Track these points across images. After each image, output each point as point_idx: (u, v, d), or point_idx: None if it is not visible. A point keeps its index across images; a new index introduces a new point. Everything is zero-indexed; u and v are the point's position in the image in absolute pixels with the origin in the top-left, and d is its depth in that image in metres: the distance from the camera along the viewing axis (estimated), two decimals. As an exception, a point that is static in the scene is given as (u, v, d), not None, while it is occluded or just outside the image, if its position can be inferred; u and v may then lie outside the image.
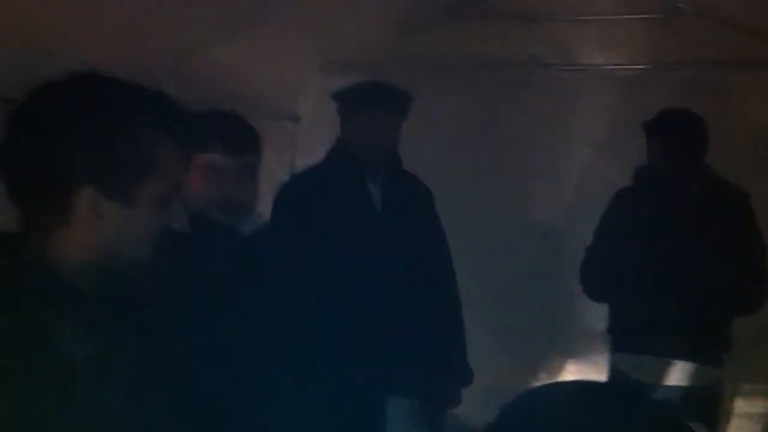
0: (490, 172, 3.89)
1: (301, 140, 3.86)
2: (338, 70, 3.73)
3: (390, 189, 2.62)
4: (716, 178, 2.92)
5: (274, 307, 2.04)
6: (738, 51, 3.53)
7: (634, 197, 3.00)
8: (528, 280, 3.74)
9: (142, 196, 1.14)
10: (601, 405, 1.50)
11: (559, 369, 3.83)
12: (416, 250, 2.60)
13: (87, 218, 1.12)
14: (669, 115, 2.92)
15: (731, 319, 2.88)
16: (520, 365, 3.66)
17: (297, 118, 3.91)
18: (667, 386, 2.86)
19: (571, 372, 3.77)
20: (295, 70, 3.76)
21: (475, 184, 3.92)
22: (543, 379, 3.63)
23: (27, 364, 1.07)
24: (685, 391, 2.85)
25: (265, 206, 2.41)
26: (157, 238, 1.19)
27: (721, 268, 2.76)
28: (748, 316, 2.90)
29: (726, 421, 3.42)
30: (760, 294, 2.81)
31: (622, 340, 3.02)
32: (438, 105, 3.83)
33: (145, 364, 1.21)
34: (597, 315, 3.23)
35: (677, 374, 2.88)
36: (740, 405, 3.51)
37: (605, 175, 3.59)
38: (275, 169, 3.75)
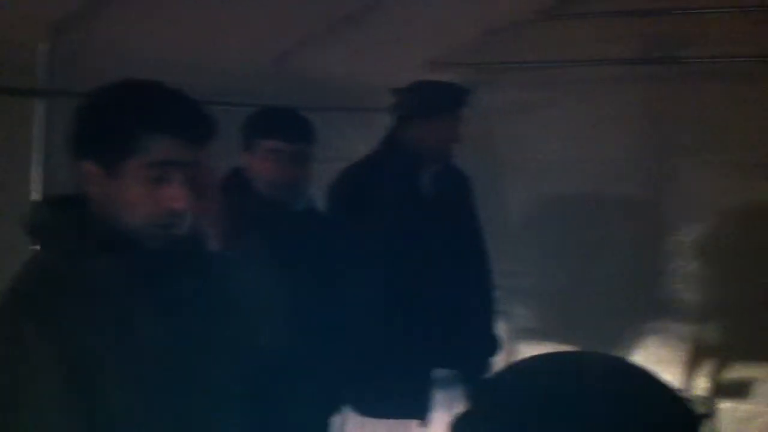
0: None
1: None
2: (440, 70, 3.93)
3: (440, 179, 2.83)
4: None
5: (331, 281, 2.33)
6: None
7: None
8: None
9: (127, 170, 1.37)
10: (586, 375, 1.62)
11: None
12: (459, 235, 2.85)
13: (89, 187, 1.40)
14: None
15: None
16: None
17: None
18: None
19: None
20: (398, 70, 3.99)
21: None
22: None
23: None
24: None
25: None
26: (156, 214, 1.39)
27: None
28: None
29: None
30: None
31: None
32: (544, 107, 4.00)
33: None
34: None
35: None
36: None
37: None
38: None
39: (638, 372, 1.59)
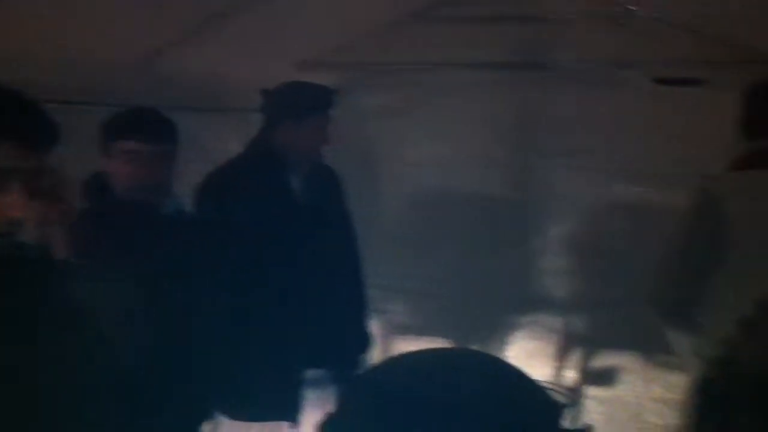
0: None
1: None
2: (313, 69, 3.91)
3: (311, 180, 2.83)
4: None
5: (196, 283, 2.28)
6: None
7: None
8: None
9: None
10: (455, 373, 1.64)
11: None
12: (330, 235, 2.84)
13: None
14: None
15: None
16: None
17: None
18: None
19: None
20: (270, 69, 3.95)
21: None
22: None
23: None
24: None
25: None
26: None
27: None
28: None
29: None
30: None
31: None
32: (414, 108, 4.05)
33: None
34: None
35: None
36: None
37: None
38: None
39: (503, 366, 1.63)
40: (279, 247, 2.68)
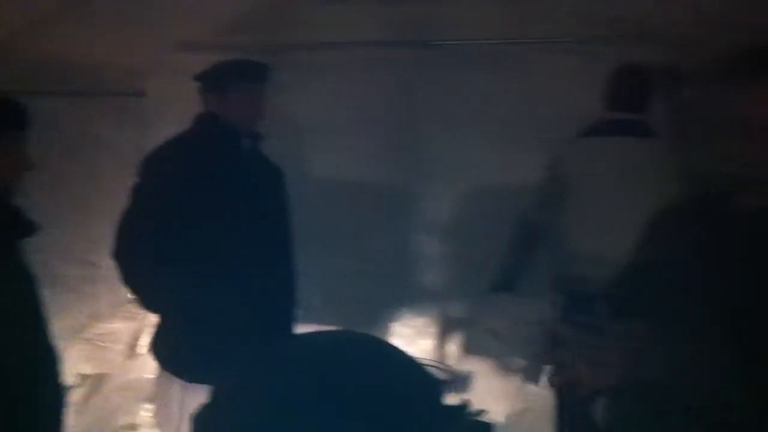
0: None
1: (148, 117, 3.95)
2: (188, 49, 3.86)
3: (250, 165, 2.84)
4: None
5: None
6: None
7: None
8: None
9: None
10: (336, 353, 1.62)
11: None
12: (268, 222, 2.86)
13: None
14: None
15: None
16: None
17: (142, 95, 4.00)
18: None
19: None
20: (145, 49, 3.82)
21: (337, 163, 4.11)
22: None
23: None
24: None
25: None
26: None
27: None
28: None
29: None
30: None
31: None
32: (294, 87, 3.99)
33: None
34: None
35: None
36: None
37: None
38: (120, 144, 3.86)
39: (383, 345, 1.62)
40: (221, 223, 2.69)
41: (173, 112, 3.80)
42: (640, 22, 3.50)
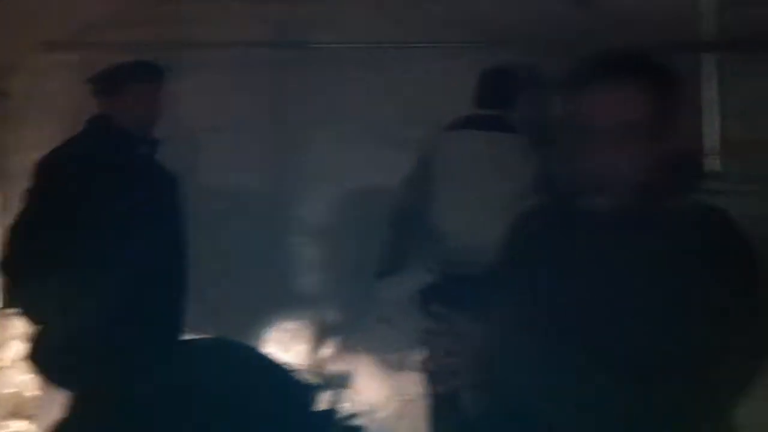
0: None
1: (12, 117, 3.80)
2: (52, 49, 3.78)
3: (143, 169, 2.83)
4: None
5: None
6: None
7: None
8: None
9: None
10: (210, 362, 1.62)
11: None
12: (160, 228, 2.86)
13: None
14: None
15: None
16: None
17: (5, 95, 3.85)
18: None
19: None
20: (8, 48, 3.67)
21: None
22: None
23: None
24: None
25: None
26: None
27: None
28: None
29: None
30: None
31: None
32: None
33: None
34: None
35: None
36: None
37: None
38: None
39: (256, 354, 1.64)
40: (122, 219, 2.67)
41: (36, 112, 3.71)
42: (508, 26, 3.66)
